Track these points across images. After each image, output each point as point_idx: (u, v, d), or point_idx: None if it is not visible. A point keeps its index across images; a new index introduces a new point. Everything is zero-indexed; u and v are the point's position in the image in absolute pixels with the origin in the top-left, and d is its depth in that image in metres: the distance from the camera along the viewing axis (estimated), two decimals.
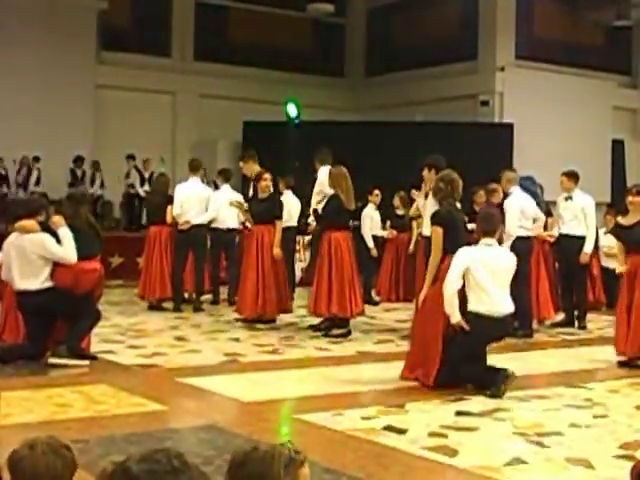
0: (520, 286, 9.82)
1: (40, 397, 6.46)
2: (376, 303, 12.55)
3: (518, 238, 9.84)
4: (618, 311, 8.29)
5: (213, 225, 11.89)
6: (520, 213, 10.02)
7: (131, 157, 17.98)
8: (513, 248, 9.77)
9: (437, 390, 6.82)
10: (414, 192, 10.05)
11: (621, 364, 8.25)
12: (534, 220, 10.30)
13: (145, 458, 2.11)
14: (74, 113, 18.05)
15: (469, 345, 6.84)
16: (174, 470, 2.09)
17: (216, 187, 13.23)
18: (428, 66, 19.55)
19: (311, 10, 20.62)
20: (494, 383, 6.73)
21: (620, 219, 8.66)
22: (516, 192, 10.14)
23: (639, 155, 19.46)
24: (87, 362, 7.73)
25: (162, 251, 11.64)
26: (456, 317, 6.74)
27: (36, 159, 17.31)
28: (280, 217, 10.28)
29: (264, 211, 10.20)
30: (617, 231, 8.56)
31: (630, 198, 8.37)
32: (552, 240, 10.87)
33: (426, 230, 8.54)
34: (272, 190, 10.57)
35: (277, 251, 10.07)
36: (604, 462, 5.11)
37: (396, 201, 13.19)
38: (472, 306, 6.84)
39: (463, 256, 6.84)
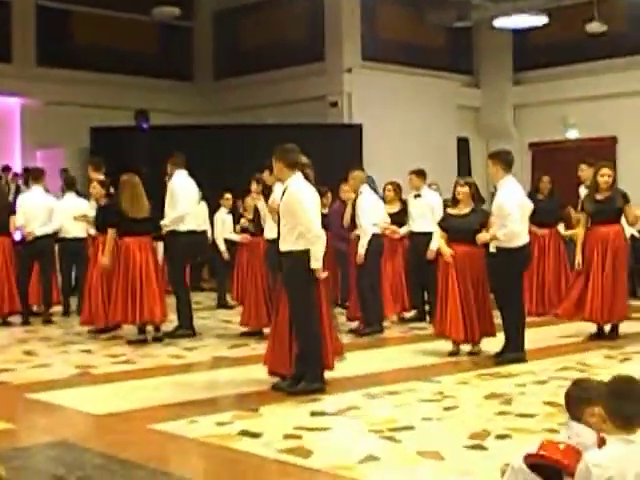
0: (365, 282, 10.04)
1: None
2: (231, 307, 12.50)
3: (372, 235, 10.02)
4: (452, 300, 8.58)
5: (60, 235, 11.59)
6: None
7: None
8: (369, 245, 9.99)
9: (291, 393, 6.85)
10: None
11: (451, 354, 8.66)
12: None
13: None
14: None
15: None
16: None
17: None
18: (276, 68, 19.60)
19: (156, 14, 20.34)
20: None
21: (450, 210, 9.01)
22: (366, 191, 10.30)
23: (483, 152, 20.04)
24: None
25: (5, 263, 11.26)
26: None
27: None
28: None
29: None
30: (445, 221, 8.88)
31: (459, 189, 8.71)
32: (397, 237, 11.07)
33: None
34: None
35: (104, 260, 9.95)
36: (454, 453, 5.24)
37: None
38: None
39: None
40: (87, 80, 19.51)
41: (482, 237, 8.43)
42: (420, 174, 11.15)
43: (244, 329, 10.05)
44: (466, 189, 8.72)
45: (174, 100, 20.60)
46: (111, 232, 9.92)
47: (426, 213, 10.85)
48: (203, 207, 13.79)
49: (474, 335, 8.59)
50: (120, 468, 5.00)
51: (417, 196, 11.09)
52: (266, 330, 9.76)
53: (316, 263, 6.86)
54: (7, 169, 17.35)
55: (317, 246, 6.85)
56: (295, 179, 6.99)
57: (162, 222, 9.95)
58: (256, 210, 10.18)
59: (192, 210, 10.39)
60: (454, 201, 8.91)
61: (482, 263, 8.55)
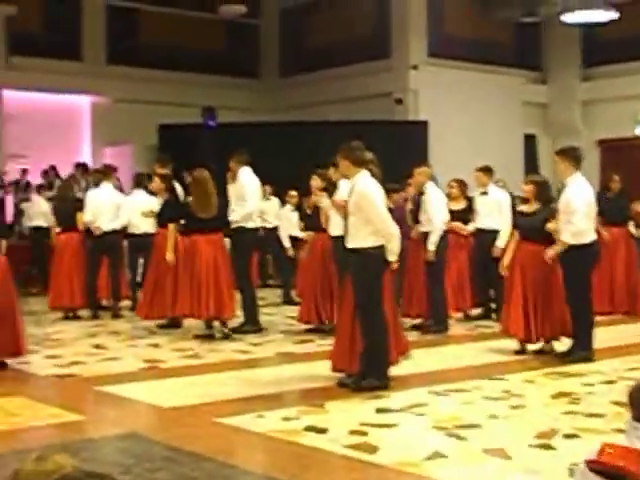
0: (435, 280, 10.01)
1: None
2: (296, 303, 12.54)
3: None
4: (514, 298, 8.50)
5: (129, 230, 11.78)
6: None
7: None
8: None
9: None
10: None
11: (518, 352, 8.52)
12: None
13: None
14: None
15: None
16: None
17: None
18: (342, 65, 19.62)
19: (224, 11, 20.52)
20: None
21: (519, 208, 8.94)
22: (432, 187, 10.25)
23: (550, 149, 19.81)
24: None
25: (74, 259, 11.47)
26: None
27: None
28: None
29: None
30: (515, 219, 8.83)
31: (523, 187, 8.74)
32: (465, 234, 11.03)
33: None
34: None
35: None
36: (521, 451, 5.20)
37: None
38: None
39: None
40: (155, 78, 19.77)
41: (551, 226, 8.32)
42: (486, 171, 11.08)
43: (309, 326, 10.08)
44: (530, 187, 8.65)
45: (241, 97, 20.76)
46: (172, 227, 10.06)
47: (493, 210, 10.77)
48: (274, 203, 13.86)
49: (539, 334, 8.50)
50: (189, 460, 5.06)
51: (483, 193, 11.01)
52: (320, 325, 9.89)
53: (393, 256, 6.93)
54: (80, 166, 17.63)
55: (393, 242, 6.92)
56: (362, 176, 7.01)
57: (231, 218, 10.00)
58: (316, 207, 10.20)
59: (258, 207, 10.48)
60: (524, 199, 8.85)
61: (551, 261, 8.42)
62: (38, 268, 14.66)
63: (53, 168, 17.91)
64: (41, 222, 14.54)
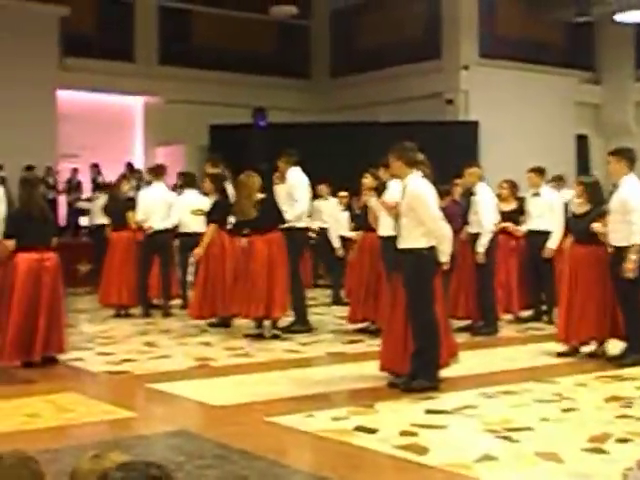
0: (485, 282, 9.95)
1: (9, 407, 6.41)
2: (346, 304, 12.55)
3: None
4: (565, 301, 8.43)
5: (180, 230, 11.88)
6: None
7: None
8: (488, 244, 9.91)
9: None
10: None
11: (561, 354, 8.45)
12: None
13: (124, 466, 2.16)
14: (36, 120, 17.88)
15: None
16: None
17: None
18: (393, 66, 19.60)
19: (274, 12, 20.61)
20: None
21: (573, 209, 8.86)
22: (483, 188, 10.19)
23: (602, 150, 19.60)
24: None
25: (124, 257, 11.61)
26: None
27: None
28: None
29: None
30: (568, 221, 8.77)
31: (574, 187, 8.66)
32: (519, 234, 10.95)
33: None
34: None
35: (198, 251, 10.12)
36: (573, 455, 5.15)
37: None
38: None
39: None
40: (207, 78, 19.92)
41: (597, 227, 8.22)
42: (539, 172, 10.99)
43: (359, 325, 10.08)
44: (580, 188, 8.55)
45: (291, 98, 20.84)
46: (212, 227, 10.14)
47: (545, 212, 10.67)
48: (332, 203, 13.79)
49: (590, 337, 8.40)
50: (240, 458, 5.09)
51: (535, 194, 10.91)
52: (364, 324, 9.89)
53: (444, 257, 6.93)
54: (130, 166, 17.81)
55: (445, 244, 6.90)
56: (414, 177, 7.00)
57: (286, 217, 9.99)
58: (365, 206, 10.19)
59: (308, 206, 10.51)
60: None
61: (603, 263, 8.31)
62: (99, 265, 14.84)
63: (95, 166, 18.14)
64: (104, 220, 14.69)
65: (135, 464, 2.18)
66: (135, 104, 20.44)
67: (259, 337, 9.65)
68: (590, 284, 8.31)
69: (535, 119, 18.42)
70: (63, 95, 18.73)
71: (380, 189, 9.27)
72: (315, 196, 13.28)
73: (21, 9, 18.05)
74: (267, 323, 9.84)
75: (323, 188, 13.54)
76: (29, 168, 16.23)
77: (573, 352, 8.51)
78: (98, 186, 17.35)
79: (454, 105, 18.55)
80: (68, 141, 18.54)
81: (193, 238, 11.63)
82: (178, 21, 20.65)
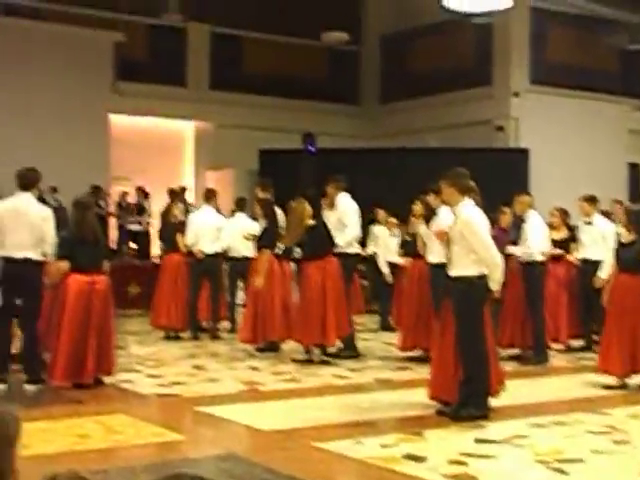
0: (535, 310, 9.87)
1: (59, 428, 6.48)
2: (394, 330, 12.51)
3: (535, 262, 9.87)
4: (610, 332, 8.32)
5: (229, 254, 11.95)
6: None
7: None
8: (530, 271, 9.84)
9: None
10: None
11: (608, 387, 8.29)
12: None
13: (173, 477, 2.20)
14: (89, 143, 18.15)
15: None
16: None
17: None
18: (443, 92, 19.59)
19: (326, 38, 20.75)
20: None
21: (621, 237, 8.72)
22: (534, 216, 10.12)
23: None
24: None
25: (175, 280, 11.70)
26: None
27: (53, 189, 17.37)
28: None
29: None
30: (616, 250, 8.63)
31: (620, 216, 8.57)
32: (572, 261, 10.86)
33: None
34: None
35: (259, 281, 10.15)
36: None
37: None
38: None
39: None
40: (257, 103, 20.06)
41: None
42: (591, 201, 10.87)
43: (410, 353, 10.02)
44: (626, 217, 8.45)
45: (341, 123, 20.91)
46: (266, 253, 10.15)
47: (597, 240, 10.55)
48: (381, 231, 13.68)
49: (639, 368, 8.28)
50: None
51: (588, 223, 10.80)
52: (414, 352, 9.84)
53: (495, 285, 6.88)
54: (174, 191, 17.96)
55: (497, 272, 6.86)
56: (466, 204, 6.98)
57: (337, 242, 9.99)
58: (414, 233, 10.16)
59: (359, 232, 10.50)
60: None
61: None
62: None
63: (141, 189, 18.32)
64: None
65: (183, 475, 2.21)
66: (186, 128, 20.66)
67: (307, 362, 9.64)
68: (635, 314, 8.19)
69: (586, 146, 18.28)
70: (116, 119, 19.00)
71: (429, 216, 9.26)
72: (372, 221, 13.30)
73: (76, 35, 18.38)
74: (316, 349, 9.83)
75: (381, 213, 13.48)
76: (96, 188, 16.54)
77: (622, 385, 8.37)
78: (143, 209, 17.57)
79: (504, 132, 18.48)
80: (120, 164, 18.77)
81: (242, 262, 11.71)
82: (229, 46, 20.86)
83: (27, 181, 8.16)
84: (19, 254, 7.88)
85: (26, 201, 8.08)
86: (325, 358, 9.74)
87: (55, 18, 18.67)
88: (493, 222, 9.74)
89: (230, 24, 20.53)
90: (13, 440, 2.59)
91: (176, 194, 17.63)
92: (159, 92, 19.36)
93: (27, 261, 7.90)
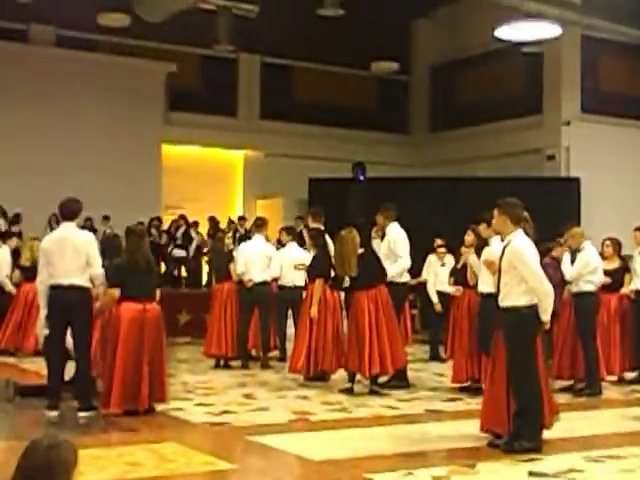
0: (588, 342, 9.74)
1: (112, 455, 6.51)
2: (443, 360, 12.43)
3: (587, 293, 9.77)
4: None
5: (279, 283, 11.97)
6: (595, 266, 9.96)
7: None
8: (581, 301, 9.73)
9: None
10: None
11: None
12: None
13: None
14: (142, 173, 18.39)
15: None
16: None
17: (282, 245, 13.31)
18: (493, 121, 19.56)
19: (375, 68, 20.84)
20: None
21: None
22: (589, 247, 10.03)
23: None
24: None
25: (225, 309, 11.76)
26: None
27: (106, 218, 17.61)
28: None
29: None
30: None
31: None
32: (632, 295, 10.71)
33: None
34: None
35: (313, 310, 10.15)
36: None
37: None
38: None
39: None
40: (306, 133, 20.21)
41: None
42: None
43: (461, 384, 9.94)
44: None
45: (390, 152, 20.96)
46: (318, 283, 10.13)
47: None
48: (432, 260, 13.61)
49: None
50: None
51: None
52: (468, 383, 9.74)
53: (546, 317, 6.81)
54: (242, 219, 18.10)
55: (547, 302, 6.80)
56: (518, 234, 6.94)
57: (389, 272, 9.96)
58: (465, 263, 10.10)
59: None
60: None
61: None
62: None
63: (212, 219, 18.48)
64: None
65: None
66: (236, 157, 20.84)
67: (349, 392, 9.56)
68: None
69: (639, 176, 18.09)
70: (168, 149, 19.24)
71: (480, 245, 9.21)
72: (433, 249, 13.28)
73: (130, 65, 18.70)
74: (359, 377, 9.76)
75: (437, 242, 13.44)
76: (140, 224, 16.68)
77: None
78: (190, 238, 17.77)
79: (555, 161, 18.37)
80: (172, 193, 18.97)
81: (292, 291, 11.72)
82: (280, 76, 21.06)
83: (69, 211, 8.27)
84: (66, 281, 7.97)
85: (70, 230, 8.19)
86: (375, 388, 9.69)
87: (108, 49, 19.01)
88: (545, 253, 9.68)
89: (280, 54, 20.73)
90: (71, 468, 2.62)
91: (231, 223, 17.83)
92: (210, 122, 19.59)
93: (74, 288, 7.98)
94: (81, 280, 8.02)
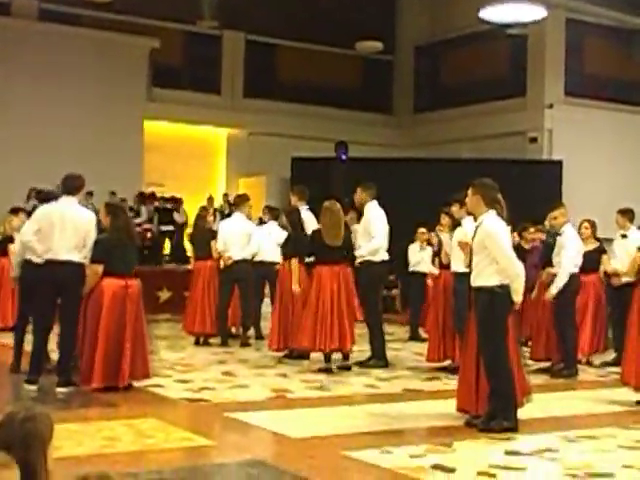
0: (565, 323, 9.80)
1: (90, 430, 6.51)
2: (424, 340, 12.46)
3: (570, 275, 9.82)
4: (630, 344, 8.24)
5: (257, 259, 11.94)
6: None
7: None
8: (568, 285, 9.77)
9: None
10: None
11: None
12: None
13: None
14: (123, 149, 18.29)
15: None
16: None
17: (261, 223, 13.28)
18: (476, 103, 19.57)
19: (360, 48, 20.78)
20: None
21: None
22: (571, 229, 10.07)
23: None
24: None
25: (206, 286, 11.75)
26: None
27: (89, 194, 17.49)
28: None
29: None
30: None
31: None
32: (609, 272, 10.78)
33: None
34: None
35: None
36: None
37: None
38: None
39: None
40: (290, 111, 20.15)
41: None
42: (626, 213, 10.79)
43: (439, 364, 9.99)
44: None
45: (373, 132, 20.94)
46: (294, 262, 10.15)
47: (632, 254, 10.45)
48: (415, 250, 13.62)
49: None
50: None
51: (623, 236, 10.73)
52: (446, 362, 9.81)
53: (517, 297, 6.83)
54: (224, 197, 18.07)
55: (518, 282, 6.82)
56: (490, 215, 6.94)
57: (357, 252, 10.00)
58: (440, 243, 10.15)
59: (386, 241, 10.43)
60: None
61: None
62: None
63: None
64: None
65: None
66: (220, 135, 20.76)
67: (327, 372, 9.58)
68: None
69: (622, 159, 18.17)
70: (150, 125, 19.13)
71: (454, 226, 9.24)
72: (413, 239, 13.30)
73: (113, 40, 18.57)
74: (336, 356, 9.78)
75: (420, 230, 13.39)
76: (123, 200, 16.64)
77: None
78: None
79: (538, 144, 18.41)
80: (153, 170, 18.90)
81: (267, 267, 11.74)
82: (264, 54, 20.97)
83: (72, 186, 8.24)
84: (62, 256, 7.95)
85: (72, 205, 8.16)
86: (347, 364, 9.72)
87: (91, 24, 18.87)
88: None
89: (265, 32, 20.64)
90: (46, 440, 2.62)
91: (212, 200, 17.78)
92: (193, 99, 19.50)
93: (70, 263, 7.97)
94: (78, 257, 8.02)
